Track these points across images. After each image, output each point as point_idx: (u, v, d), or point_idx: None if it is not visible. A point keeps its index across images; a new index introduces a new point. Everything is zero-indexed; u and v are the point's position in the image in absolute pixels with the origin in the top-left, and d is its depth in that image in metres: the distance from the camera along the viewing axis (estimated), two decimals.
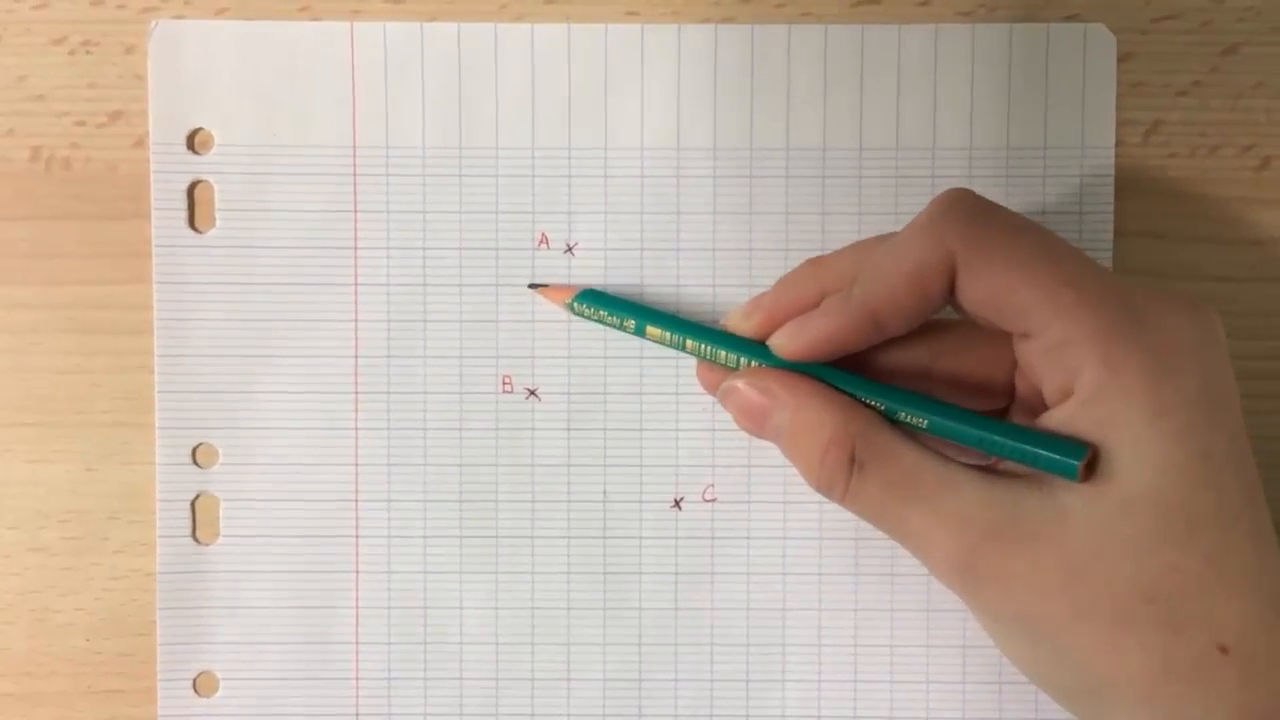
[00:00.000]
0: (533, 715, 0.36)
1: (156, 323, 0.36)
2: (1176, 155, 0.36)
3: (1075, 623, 0.28)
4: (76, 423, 0.36)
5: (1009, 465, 0.30)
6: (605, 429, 0.36)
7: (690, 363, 0.35)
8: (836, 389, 0.31)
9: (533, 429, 0.36)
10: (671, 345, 0.34)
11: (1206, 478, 0.27)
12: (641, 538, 0.36)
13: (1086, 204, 0.36)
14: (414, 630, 0.36)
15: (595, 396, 0.36)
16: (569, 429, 0.36)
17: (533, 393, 0.36)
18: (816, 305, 0.32)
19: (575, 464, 0.36)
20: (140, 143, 0.36)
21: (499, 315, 0.36)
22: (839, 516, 0.36)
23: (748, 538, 0.36)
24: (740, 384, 0.32)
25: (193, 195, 0.36)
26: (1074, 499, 0.28)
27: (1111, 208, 0.36)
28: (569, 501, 0.36)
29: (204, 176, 0.36)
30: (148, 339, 0.36)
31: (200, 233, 0.36)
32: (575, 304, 0.35)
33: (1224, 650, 0.27)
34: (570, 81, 0.36)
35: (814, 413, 0.31)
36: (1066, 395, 0.29)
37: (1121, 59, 0.36)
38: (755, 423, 0.32)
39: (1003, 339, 0.31)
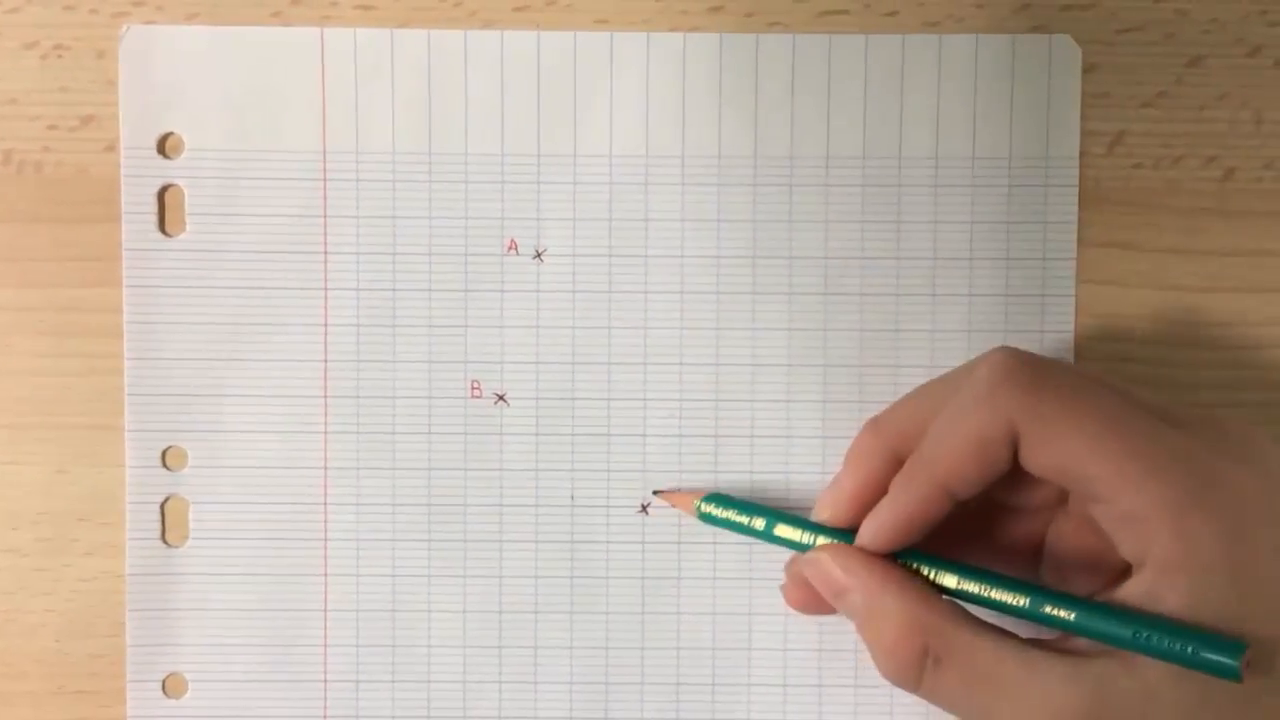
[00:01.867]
0: (500, 718, 0.36)
1: (126, 326, 0.36)
2: (1141, 166, 0.36)
3: None
4: (47, 425, 0.36)
5: (1081, 643, 0.29)
6: (573, 434, 0.36)
7: (656, 371, 0.36)
8: (917, 576, 0.31)
9: (501, 434, 0.36)
10: (803, 544, 0.33)
11: None
12: (609, 542, 0.36)
13: (1051, 214, 0.36)
14: (382, 633, 0.36)
15: (563, 402, 0.36)
16: (537, 434, 0.36)
17: (501, 398, 0.36)
18: (890, 473, 0.31)
19: (543, 469, 0.36)
20: (111, 147, 0.36)
21: (468, 320, 0.36)
22: None
23: (714, 543, 0.36)
24: (827, 557, 0.31)
25: (163, 199, 0.36)
26: (1160, 677, 0.27)
27: (1075, 218, 0.36)
28: (537, 506, 0.36)
29: (174, 181, 0.36)
30: (118, 342, 0.36)
31: (170, 236, 0.36)
32: (702, 506, 0.35)
33: None
34: (539, 88, 0.36)
35: (888, 601, 0.30)
36: (1141, 561, 0.28)
37: (1086, 70, 0.36)
38: (834, 596, 0.31)
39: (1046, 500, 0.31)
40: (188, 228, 0.36)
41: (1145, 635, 0.27)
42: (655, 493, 0.36)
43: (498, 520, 0.36)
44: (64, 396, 0.36)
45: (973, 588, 0.30)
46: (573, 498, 0.36)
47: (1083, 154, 0.36)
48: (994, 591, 0.30)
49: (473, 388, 0.36)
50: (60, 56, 0.36)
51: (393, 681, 0.36)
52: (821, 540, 0.32)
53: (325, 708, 0.36)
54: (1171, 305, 0.36)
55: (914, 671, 0.29)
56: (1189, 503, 0.27)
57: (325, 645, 0.36)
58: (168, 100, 0.35)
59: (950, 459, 0.29)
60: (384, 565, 0.36)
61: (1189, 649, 0.27)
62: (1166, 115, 0.36)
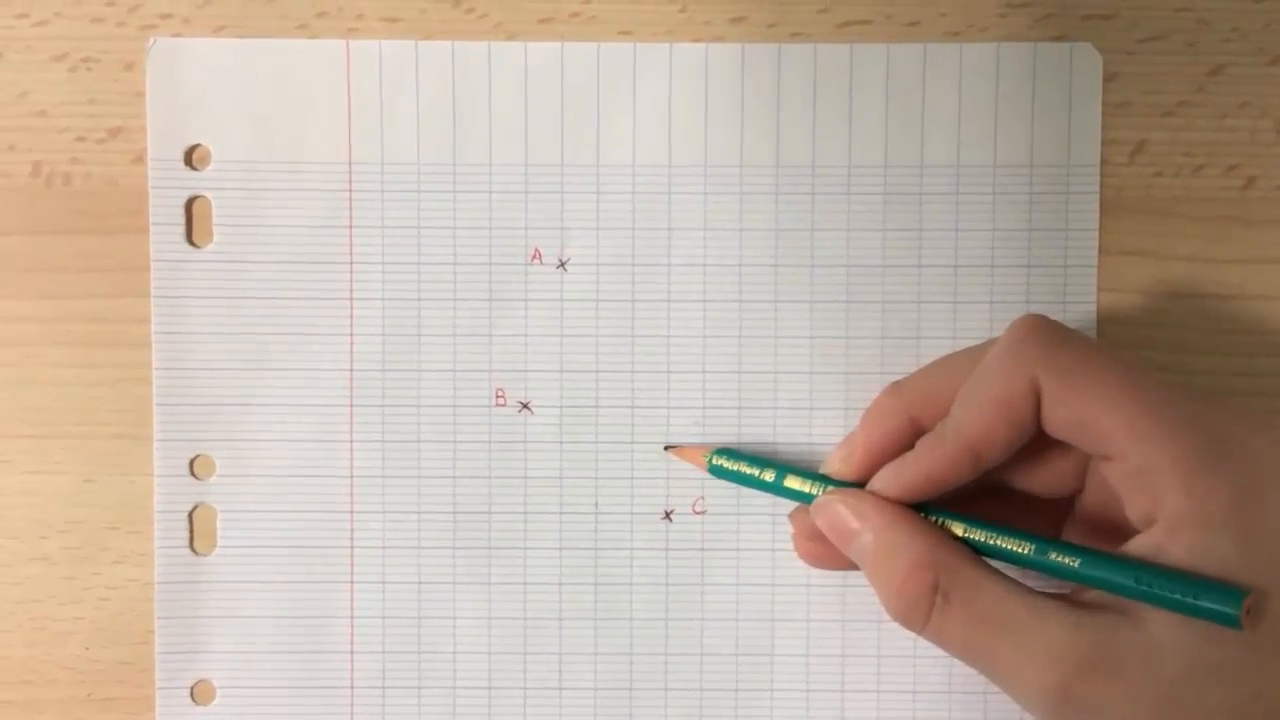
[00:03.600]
0: None
1: (155, 336, 0.35)
2: (1162, 174, 0.36)
3: None
4: (76, 434, 0.36)
5: (1091, 595, 0.29)
6: (597, 442, 0.36)
7: (679, 380, 0.35)
8: (927, 520, 0.31)
9: (525, 442, 0.36)
10: (812, 496, 0.33)
11: None
12: (633, 549, 0.36)
13: (1072, 221, 0.35)
14: (408, 640, 0.36)
15: (587, 410, 0.36)
16: (561, 442, 0.36)
17: (525, 406, 0.36)
18: (906, 434, 0.31)
19: (567, 476, 0.36)
20: (139, 158, 0.35)
21: (492, 330, 0.35)
22: None
23: (737, 549, 0.36)
24: (836, 500, 0.31)
25: (190, 210, 0.35)
26: (1163, 628, 0.27)
27: (1096, 226, 0.35)
28: (561, 514, 0.36)
29: (202, 192, 0.35)
30: (146, 352, 0.35)
31: (198, 247, 0.35)
32: (714, 458, 0.35)
33: None
34: (563, 99, 0.35)
35: (900, 537, 0.30)
36: (1150, 521, 0.28)
37: (1108, 79, 0.35)
38: (842, 540, 0.31)
39: (1073, 451, 0.31)
40: (215, 238, 0.35)
41: (1148, 581, 0.27)
42: (666, 448, 0.35)
43: (522, 528, 0.36)
44: (93, 406, 0.36)
45: (979, 536, 0.30)
46: (596, 505, 0.36)
47: (1104, 163, 0.35)
48: (1000, 539, 0.30)
49: (497, 396, 0.36)
50: (89, 69, 0.36)
51: (418, 688, 0.36)
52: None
53: (352, 714, 0.36)
54: (1193, 313, 0.35)
55: (923, 608, 0.29)
56: (1201, 461, 0.27)
57: (351, 652, 0.36)
58: (194, 112, 0.35)
59: (977, 419, 0.29)
60: (409, 573, 0.36)
61: (1190, 596, 0.27)
62: (1188, 124, 0.36)
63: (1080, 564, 0.29)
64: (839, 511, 0.31)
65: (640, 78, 0.35)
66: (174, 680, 0.36)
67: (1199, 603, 0.26)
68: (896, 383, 0.33)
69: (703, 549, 0.36)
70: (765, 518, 0.36)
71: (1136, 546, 0.28)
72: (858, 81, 0.35)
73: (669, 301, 0.35)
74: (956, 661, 0.35)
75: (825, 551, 0.33)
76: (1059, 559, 0.29)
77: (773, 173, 0.35)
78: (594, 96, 0.35)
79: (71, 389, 0.36)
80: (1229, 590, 0.26)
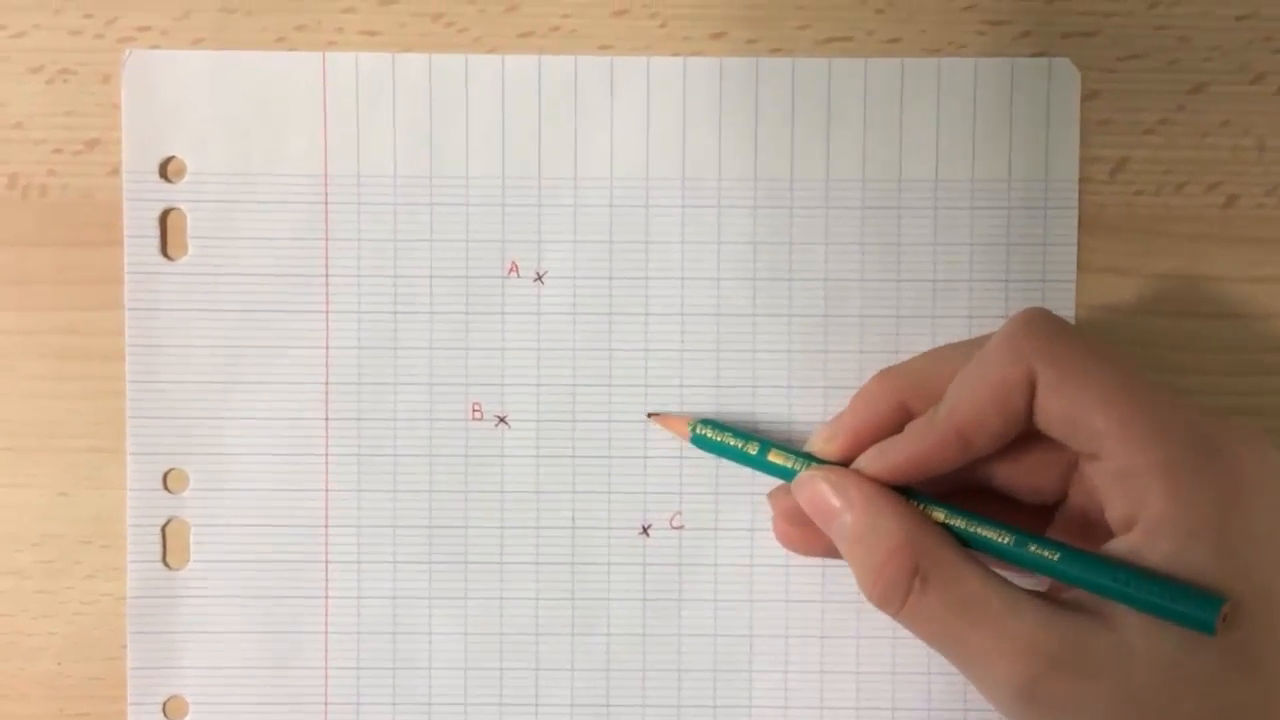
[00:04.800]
0: None
1: (128, 349, 0.35)
2: (1143, 193, 0.35)
3: None
4: (49, 447, 0.35)
5: (1069, 594, 0.28)
6: (574, 456, 0.35)
7: (657, 393, 0.35)
8: (912, 504, 0.30)
9: (502, 456, 0.35)
10: (795, 472, 0.32)
11: (1270, 617, 0.26)
12: (610, 564, 0.35)
13: (1050, 237, 0.35)
14: (383, 656, 0.35)
15: (564, 424, 0.35)
16: (538, 456, 0.35)
17: (502, 420, 0.35)
18: (894, 419, 0.31)
19: (544, 491, 0.35)
20: (116, 171, 0.35)
21: (469, 343, 0.35)
22: None
23: (715, 564, 0.35)
24: (819, 477, 0.31)
25: (165, 223, 0.35)
26: (1138, 634, 0.27)
27: (1075, 240, 0.35)
28: (538, 528, 0.35)
29: (176, 204, 0.35)
30: (120, 365, 0.35)
31: (172, 260, 0.35)
32: (697, 428, 0.34)
33: None
34: (540, 112, 0.35)
35: (882, 517, 0.29)
36: (1129, 525, 0.28)
37: (1089, 97, 0.35)
38: (822, 519, 0.31)
39: (1058, 455, 0.30)
40: (189, 251, 0.35)
41: (1125, 580, 0.27)
42: (649, 415, 0.35)
43: (498, 542, 0.35)
44: (66, 419, 0.35)
45: (960, 523, 0.30)
46: (573, 520, 0.35)
47: (1085, 180, 0.35)
48: (981, 529, 0.29)
49: (474, 410, 0.35)
50: (66, 81, 0.35)
51: (394, 704, 0.35)
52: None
53: None
54: (1174, 332, 0.35)
55: (900, 591, 0.29)
56: (1186, 466, 0.27)
57: (326, 668, 0.35)
58: (170, 124, 0.34)
59: (970, 404, 0.29)
60: (385, 588, 0.35)
61: (1167, 600, 0.26)
62: (1169, 142, 0.35)
63: (1059, 559, 0.28)
64: (821, 489, 0.30)
65: (618, 91, 0.35)
66: (146, 696, 0.35)
67: (1175, 606, 0.26)
68: (887, 368, 0.32)
69: (680, 564, 0.35)
70: (744, 533, 0.35)
71: (1114, 548, 0.28)
72: (836, 96, 0.35)
73: (646, 315, 0.35)
74: (936, 679, 0.35)
75: (804, 535, 0.32)
76: (1038, 552, 0.29)
77: (751, 186, 0.35)
78: (571, 110, 0.35)
79: (45, 401, 0.35)
80: (1207, 596, 0.26)
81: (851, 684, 0.35)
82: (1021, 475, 0.31)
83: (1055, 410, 0.28)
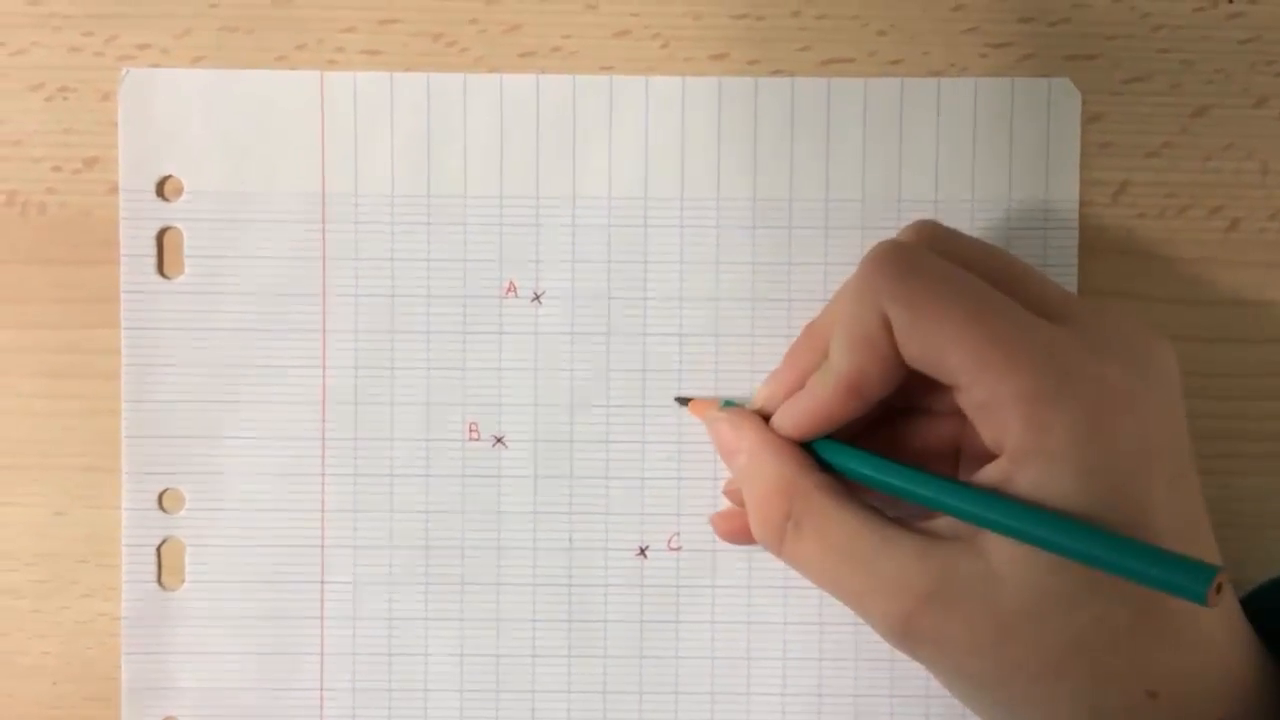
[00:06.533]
0: None
1: (124, 368, 0.34)
2: (1145, 216, 0.34)
3: (1008, 678, 0.27)
4: (45, 466, 0.34)
5: (943, 523, 0.28)
6: (571, 477, 0.34)
7: (655, 414, 0.34)
8: (800, 447, 0.30)
9: (499, 476, 0.34)
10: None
11: (1138, 531, 0.26)
12: (607, 585, 0.34)
13: (1051, 257, 0.34)
14: (379, 677, 0.34)
15: (562, 445, 0.34)
16: (535, 477, 0.34)
17: (499, 440, 0.34)
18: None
19: (541, 511, 0.34)
20: (114, 189, 0.34)
21: (466, 363, 0.34)
22: None
23: (712, 586, 0.34)
24: (723, 418, 0.31)
25: (162, 241, 0.34)
26: (1006, 560, 0.26)
27: (1075, 262, 0.34)
28: (535, 549, 0.34)
29: (173, 223, 0.34)
30: (116, 383, 0.34)
31: (169, 279, 0.34)
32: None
33: (1153, 696, 0.26)
34: (539, 131, 0.34)
35: (762, 462, 0.30)
36: (999, 453, 0.27)
37: (1091, 120, 0.34)
38: (725, 458, 0.31)
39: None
40: (186, 270, 0.34)
41: (1114, 548, 0.25)
42: (677, 400, 0.34)
43: (495, 563, 0.34)
44: (62, 438, 0.34)
45: (856, 465, 0.29)
46: (571, 540, 0.34)
47: (1087, 203, 0.34)
48: (871, 469, 0.29)
49: (471, 430, 0.34)
50: (65, 99, 0.34)
51: None
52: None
53: None
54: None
55: (777, 533, 0.29)
56: (1044, 393, 0.26)
57: (321, 689, 0.34)
58: (167, 143, 0.34)
59: (847, 357, 0.28)
60: (381, 608, 0.34)
61: (1161, 569, 0.25)
62: (1171, 165, 0.34)
63: (938, 492, 0.27)
64: (723, 429, 0.31)
65: (617, 110, 0.34)
66: (141, 717, 0.34)
67: (1168, 576, 0.24)
68: (811, 321, 0.32)
69: (678, 586, 0.34)
70: (742, 554, 0.34)
71: (986, 475, 0.27)
72: (835, 115, 0.34)
73: (644, 335, 0.34)
74: (934, 702, 0.34)
75: (738, 529, 0.32)
76: (919, 490, 0.28)
77: (750, 206, 0.34)
78: (570, 129, 0.34)
79: (42, 420, 0.34)
80: (1199, 566, 0.24)
81: (849, 708, 0.34)
82: (937, 393, 0.30)
83: (913, 350, 0.27)
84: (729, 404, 0.33)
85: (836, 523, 0.28)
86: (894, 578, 0.27)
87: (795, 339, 0.32)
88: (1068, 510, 0.26)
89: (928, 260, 0.28)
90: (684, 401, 0.34)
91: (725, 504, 0.34)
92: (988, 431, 0.27)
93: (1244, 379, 0.34)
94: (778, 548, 0.29)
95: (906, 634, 0.27)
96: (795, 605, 0.34)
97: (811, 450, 0.30)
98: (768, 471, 0.29)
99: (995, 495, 0.26)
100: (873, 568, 0.27)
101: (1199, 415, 0.34)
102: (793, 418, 0.30)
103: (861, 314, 0.28)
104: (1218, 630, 0.27)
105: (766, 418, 0.31)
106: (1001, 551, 0.26)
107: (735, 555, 0.34)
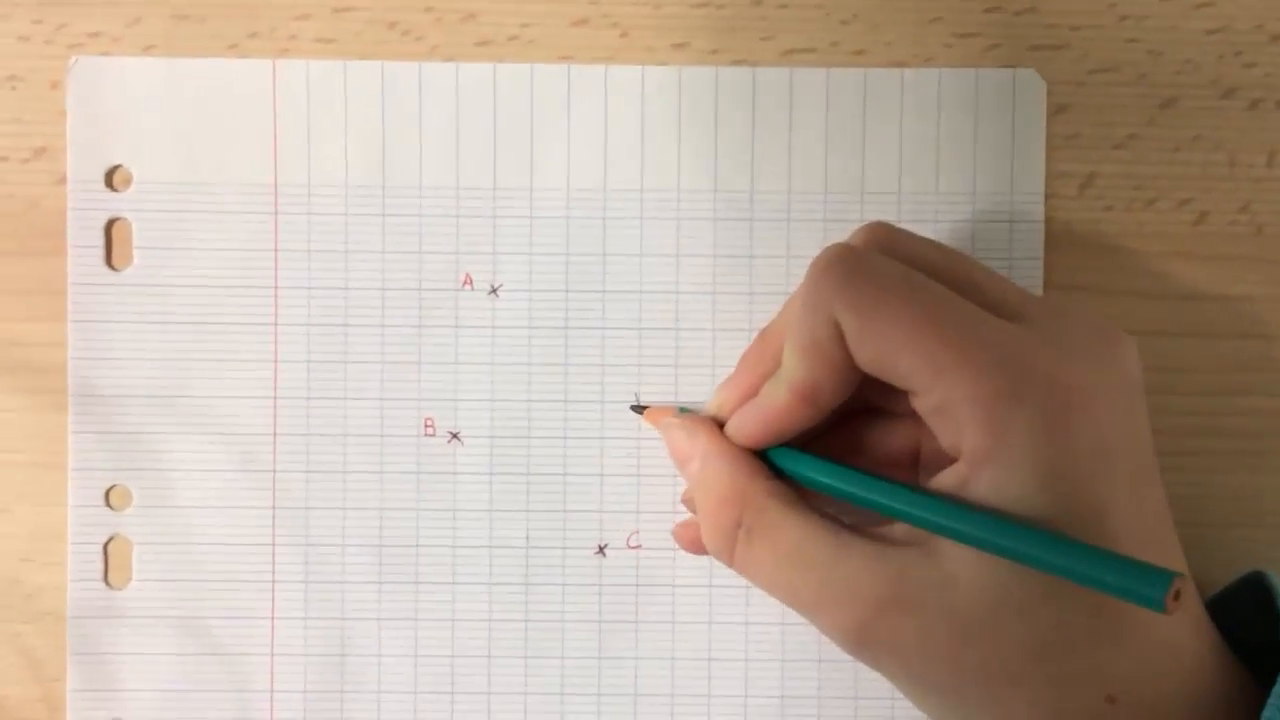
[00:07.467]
0: None
1: (70, 362, 0.33)
2: (1112, 208, 0.33)
3: (965, 685, 0.26)
4: None
5: (899, 529, 0.27)
6: (529, 474, 0.33)
7: (614, 410, 0.33)
8: (754, 455, 0.29)
9: (455, 473, 0.33)
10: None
11: (1099, 534, 0.25)
12: (565, 585, 0.33)
13: (1016, 251, 0.33)
14: (331, 678, 0.33)
15: (519, 441, 0.33)
16: (492, 473, 0.33)
17: (455, 436, 0.33)
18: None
19: (498, 509, 0.33)
20: (63, 179, 0.33)
21: (421, 357, 0.33)
22: None
23: (673, 585, 0.33)
24: (677, 425, 0.30)
25: (110, 232, 0.33)
26: (962, 565, 0.25)
27: (1041, 254, 0.33)
28: (491, 547, 0.33)
29: (122, 214, 0.33)
30: (62, 378, 0.33)
31: (117, 270, 0.33)
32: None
33: (1112, 701, 0.25)
34: (496, 121, 0.33)
35: (716, 470, 0.29)
36: (957, 455, 0.26)
37: (1057, 111, 0.33)
38: (679, 465, 0.30)
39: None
40: (135, 261, 0.33)
41: (1065, 554, 0.24)
42: (633, 408, 0.33)
43: (451, 562, 0.33)
44: (6, 433, 0.33)
45: (811, 472, 0.28)
46: (528, 539, 0.33)
47: (1053, 196, 0.33)
48: (828, 476, 0.28)
49: (426, 426, 0.33)
50: (14, 88, 0.33)
51: None
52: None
53: None
54: (1143, 350, 0.32)
55: (728, 542, 0.28)
56: (999, 394, 0.25)
57: (272, 691, 0.33)
58: (116, 132, 0.33)
59: (799, 365, 0.27)
60: (333, 608, 0.33)
61: (1116, 575, 0.24)
62: (1139, 157, 0.33)
63: (892, 499, 0.27)
64: (676, 436, 0.30)
65: (575, 100, 0.33)
66: (87, 718, 0.33)
67: (1124, 582, 0.24)
68: (765, 327, 0.31)
69: (637, 585, 0.33)
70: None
71: (944, 480, 0.26)
72: (797, 106, 0.33)
73: (604, 330, 0.33)
74: (900, 702, 0.33)
75: (696, 537, 0.31)
76: (873, 496, 0.27)
77: (711, 198, 0.33)
78: (527, 119, 0.33)
79: None
80: (1156, 572, 0.23)
81: (813, 710, 0.33)
82: (895, 396, 0.29)
83: (865, 356, 0.27)
84: (685, 411, 0.32)
85: (788, 530, 0.27)
86: (847, 585, 0.26)
87: (749, 344, 0.31)
88: (1026, 514, 0.25)
89: (877, 263, 0.27)
90: (640, 409, 0.33)
91: (686, 511, 0.33)
92: (944, 435, 0.26)
93: (1212, 374, 0.33)
94: (729, 557, 0.28)
95: (861, 641, 0.26)
96: (757, 605, 0.33)
97: (766, 458, 0.29)
98: (719, 479, 0.29)
99: (949, 501, 0.26)
100: (825, 575, 0.26)
101: (1166, 412, 0.33)
102: (746, 426, 0.29)
103: (811, 321, 0.27)
104: (1180, 634, 0.26)
105: (723, 424, 0.30)
106: (957, 557, 0.25)
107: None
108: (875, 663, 0.27)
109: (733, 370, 0.31)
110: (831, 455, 0.29)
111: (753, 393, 0.29)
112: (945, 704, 0.27)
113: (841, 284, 0.27)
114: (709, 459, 0.29)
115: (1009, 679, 0.25)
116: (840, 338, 0.27)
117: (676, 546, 0.33)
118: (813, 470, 0.28)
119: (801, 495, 0.28)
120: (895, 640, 0.26)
